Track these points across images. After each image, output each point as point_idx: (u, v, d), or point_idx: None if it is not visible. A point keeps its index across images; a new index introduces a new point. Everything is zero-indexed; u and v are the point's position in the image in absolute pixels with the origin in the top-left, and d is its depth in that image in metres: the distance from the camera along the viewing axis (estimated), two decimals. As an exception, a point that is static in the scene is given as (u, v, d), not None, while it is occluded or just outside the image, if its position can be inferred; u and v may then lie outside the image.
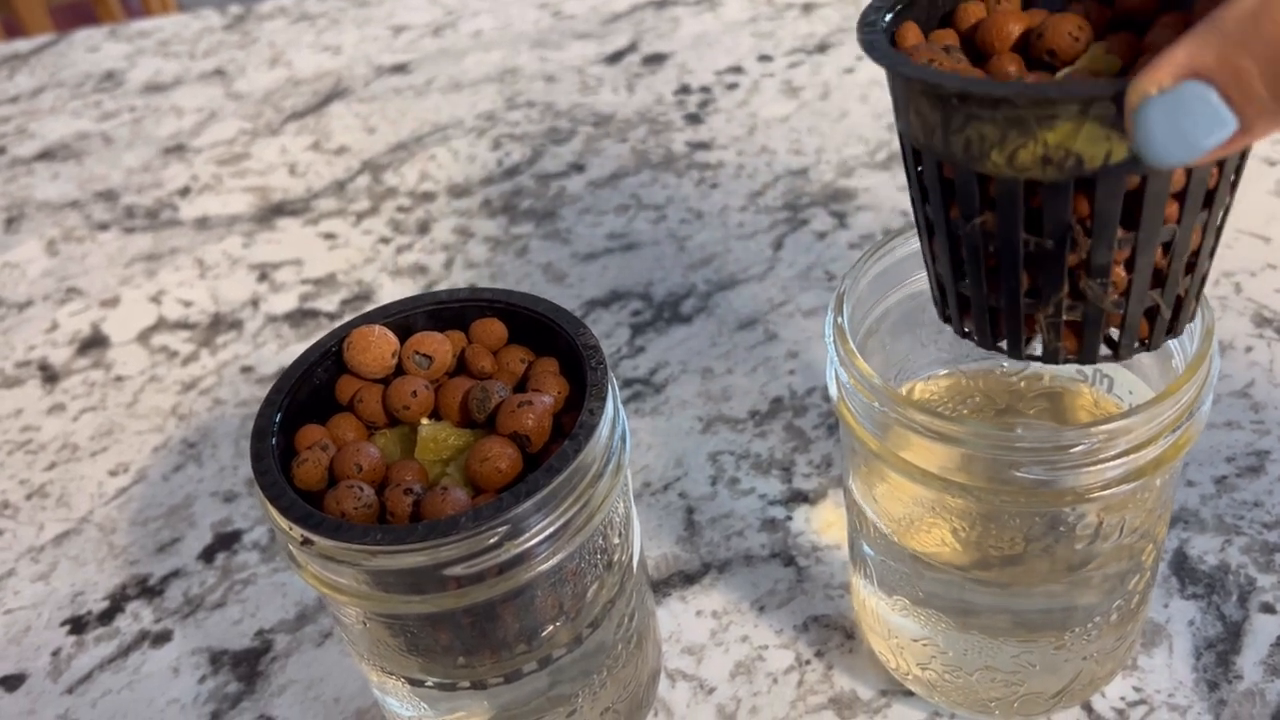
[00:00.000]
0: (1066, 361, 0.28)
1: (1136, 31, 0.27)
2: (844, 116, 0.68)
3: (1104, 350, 0.28)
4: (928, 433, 0.30)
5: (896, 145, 0.65)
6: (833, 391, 0.33)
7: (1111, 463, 0.29)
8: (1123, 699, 0.38)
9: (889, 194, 0.61)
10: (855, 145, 0.65)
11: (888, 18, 0.28)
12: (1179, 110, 0.21)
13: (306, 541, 0.29)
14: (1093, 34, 0.27)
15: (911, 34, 0.29)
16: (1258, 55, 0.21)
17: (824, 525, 0.45)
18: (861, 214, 0.61)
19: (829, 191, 0.62)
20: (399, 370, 0.34)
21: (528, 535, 0.30)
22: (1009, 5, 0.29)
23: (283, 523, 0.30)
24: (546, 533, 0.30)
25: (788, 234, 0.60)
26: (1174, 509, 0.44)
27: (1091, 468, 0.29)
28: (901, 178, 0.62)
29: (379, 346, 0.33)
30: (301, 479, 0.31)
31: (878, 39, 0.27)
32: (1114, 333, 0.28)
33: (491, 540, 0.29)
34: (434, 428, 0.33)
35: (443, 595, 0.30)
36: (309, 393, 0.34)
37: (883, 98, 0.69)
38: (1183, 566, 0.42)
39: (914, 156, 0.28)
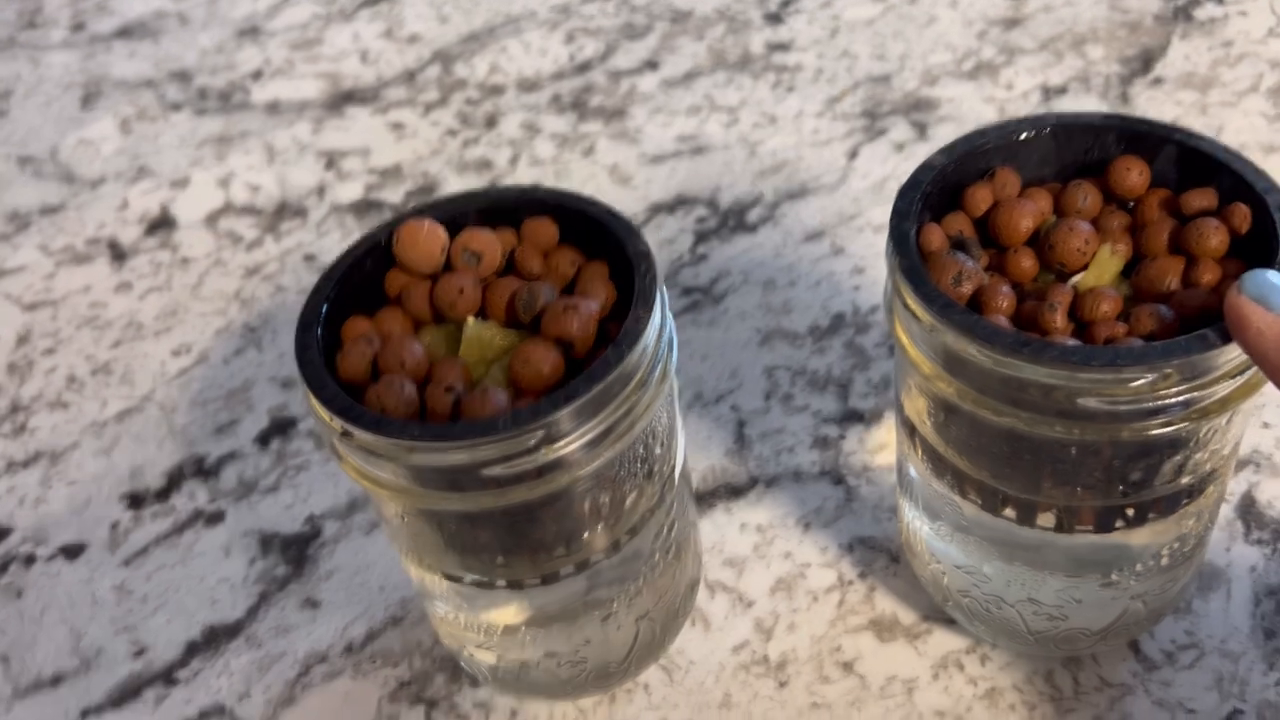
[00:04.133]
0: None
1: (1128, 209, 0.33)
2: (932, 22, 0.65)
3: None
4: (984, 359, 0.29)
5: (986, 54, 0.62)
6: (888, 311, 0.32)
7: (1175, 399, 0.28)
8: (1173, 641, 0.38)
9: (974, 106, 0.59)
10: (942, 53, 0.63)
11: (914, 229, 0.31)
12: None
13: (346, 434, 0.29)
14: (1099, 240, 0.32)
15: (936, 236, 0.32)
16: None
17: (877, 446, 0.44)
18: (943, 125, 0.58)
19: (911, 100, 0.60)
20: (448, 266, 0.34)
21: (566, 440, 0.29)
22: (1012, 189, 0.33)
23: (323, 413, 0.30)
24: (586, 439, 0.30)
25: (864, 144, 0.58)
26: (1245, 451, 0.42)
27: (1154, 403, 0.28)
28: (990, 89, 0.60)
29: (428, 241, 0.33)
30: (345, 371, 0.31)
31: (954, 314, 0.29)
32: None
33: (530, 443, 0.29)
34: (479, 327, 0.32)
35: (481, 494, 0.30)
36: (357, 284, 0.33)
37: (974, 4, 0.66)
38: (1249, 511, 0.41)
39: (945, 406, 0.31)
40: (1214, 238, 0.30)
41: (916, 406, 0.33)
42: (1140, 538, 0.32)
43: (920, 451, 0.34)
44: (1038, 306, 0.30)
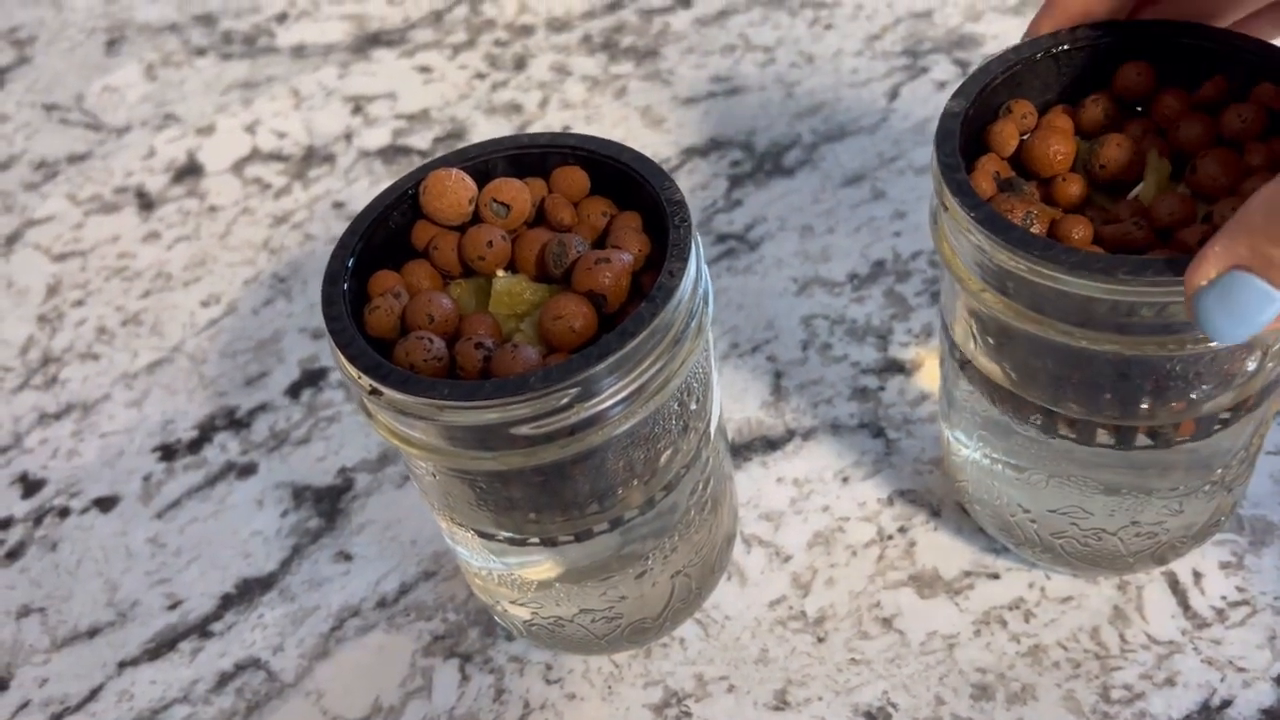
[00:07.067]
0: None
1: (1144, 112, 0.32)
2: (976, -46, 0.63)
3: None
4: (1034, 276, 0.28)
5: (1031, -12, 0.59)
6: (935, 232, 0.31)
7: None
8: (1224, 598, 0.37)
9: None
10: (985, -13, 0.60)
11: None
12: (1228, 296, 0.25)
13: (374, 391, 0.29)
14: (1142, 152, 0.31)
15: (985, 181, 0.31)
16: None
17: (919, 397, 0.43)
18: (986, 64, 0.56)
19: (953, 37, 0.58)
20: (476, 218, 0.33)
21: (600, 398, 0.28)
22: (1032, 120, 0.32)
23: (351, 371, 0.29)
24: (619, 396, 0.29)
25: (905, 83, 0.56)
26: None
27: None
28: (1033, 25, 0.57)
29: (455, 192, 0.32)
30: (373, 326, 0.30)
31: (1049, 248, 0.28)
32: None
33: (562, 402, 0.28)
34: (509, 281, 0.31)
35: (512, 453, 0.29)
36: (384, 237, 0.32)
37: (1020, -66, 0.63)
38: (1305, 463, 0.39)
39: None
40: (1258, 120, 0.30)
41: (966, 326, 0.32)
42: (1230, 438, 0.32)
43: (972, 382, 0.33)
44: (1120, 229, 0.29)
